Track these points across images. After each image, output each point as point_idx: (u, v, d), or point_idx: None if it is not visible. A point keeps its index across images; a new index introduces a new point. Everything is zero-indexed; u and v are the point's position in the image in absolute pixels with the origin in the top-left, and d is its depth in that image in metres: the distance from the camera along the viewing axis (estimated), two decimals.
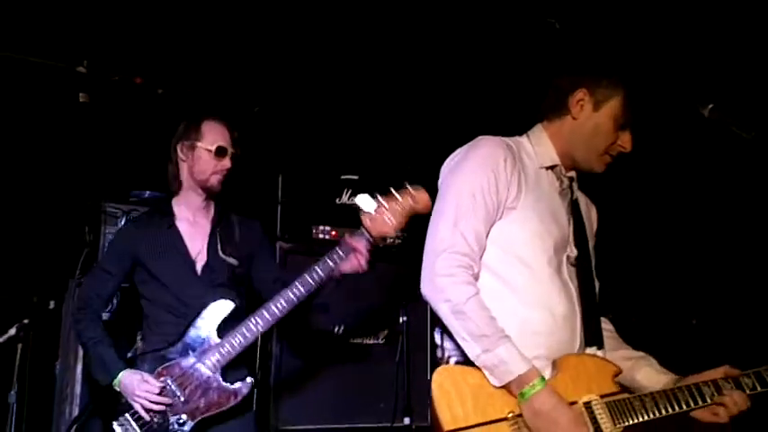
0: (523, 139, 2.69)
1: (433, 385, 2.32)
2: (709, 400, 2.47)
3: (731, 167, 4.60)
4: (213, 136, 3.36)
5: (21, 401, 3.58)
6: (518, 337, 2.34)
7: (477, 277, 2.44)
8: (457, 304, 2.33)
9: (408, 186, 3.05)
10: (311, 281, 3.11)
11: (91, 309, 3.31)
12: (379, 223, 3.06)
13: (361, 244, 3.11)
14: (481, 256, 2.46)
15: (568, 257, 2.56)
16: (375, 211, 3.06)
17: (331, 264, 3.12)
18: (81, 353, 3.76)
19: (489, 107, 4.95)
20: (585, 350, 2.51)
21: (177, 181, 3.42)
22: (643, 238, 5.02)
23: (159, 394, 3.08)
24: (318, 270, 3.12)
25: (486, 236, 2.47)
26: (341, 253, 3.12)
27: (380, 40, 4.87)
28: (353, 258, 3.12)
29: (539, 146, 2.64)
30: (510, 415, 2.28)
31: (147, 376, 3.10)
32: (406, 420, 4.19)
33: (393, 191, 3.05)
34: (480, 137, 2.62)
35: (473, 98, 5.04)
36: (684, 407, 2.45)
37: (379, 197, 3.06)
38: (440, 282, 2.37)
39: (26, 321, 3.64)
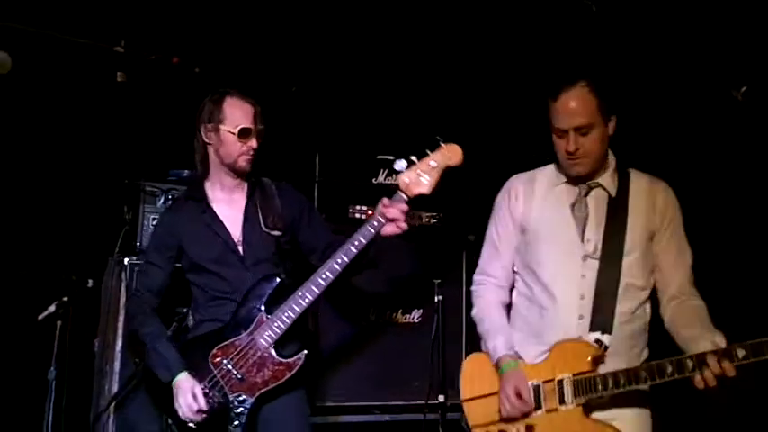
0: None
1: (463, 366, 3.22)
2: (681, 374, 2.69)
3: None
4: (235, 116, 3.28)
5: (60, 378, 3.60)
6: (525, 326, 3.10)
7: (511, 287, 3.22)
8: (475, 310, 3.26)
9: (441, 143, 3.17)
10: (354, 249, 3.16)
11: (144, 304, 3.35)
12: (414, 183, 3.15)
13: (399, 206, 3.16)
14: (514, 269, 3.21)
15: (586, 253, 2.97)
16: (409, 171, 3.15)
17: (372, 230, 3.17)
18: (120, 331, 3.80)
19: (526, 85, 4.92)
20: (588, 335, 2.92)
21: (206, 162, 3.39)
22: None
23: (199, 411, 3.11)
24: (360, 237, 3.16)
25: (511, 253, 3.20)
26: (381, 219, 3.17)
27: (417, 21, 4.86)
28: (393, 223, 3.18)
29: (555, 166, 3.13)
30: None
31: (197, 390, 3.12)
32: (441, 398, 4.23)
33: (428, 151, 3.16)
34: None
35: (512, 78, 5.02)
36: (644, 381, 2.77)
37: (414, 158, 3.17)
38: (472, 291, 3.30)
39: (65, 299, 3.67)
